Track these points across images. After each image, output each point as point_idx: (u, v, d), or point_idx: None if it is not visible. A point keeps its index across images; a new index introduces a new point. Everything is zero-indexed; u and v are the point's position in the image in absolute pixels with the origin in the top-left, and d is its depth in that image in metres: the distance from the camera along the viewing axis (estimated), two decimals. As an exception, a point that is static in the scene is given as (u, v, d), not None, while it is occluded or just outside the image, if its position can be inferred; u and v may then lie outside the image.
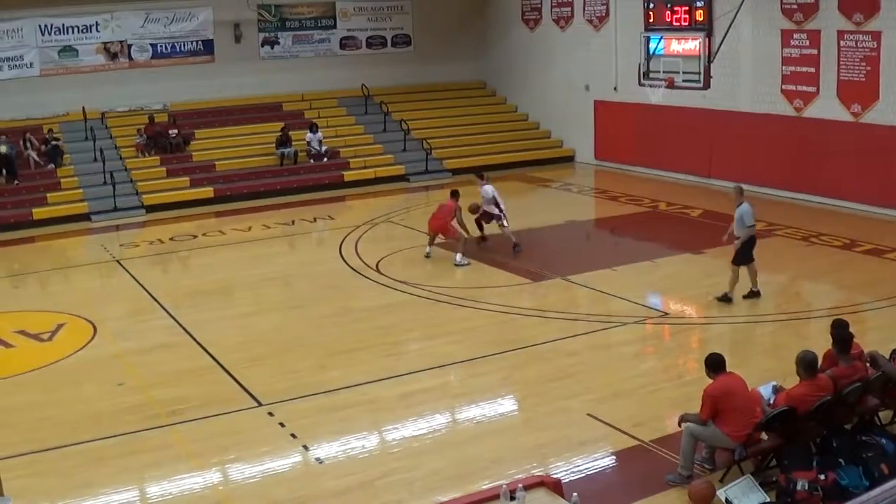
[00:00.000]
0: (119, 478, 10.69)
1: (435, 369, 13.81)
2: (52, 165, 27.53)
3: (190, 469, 10.88)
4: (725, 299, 16.09)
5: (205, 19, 31.54)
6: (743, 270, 16.10)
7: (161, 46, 31.10)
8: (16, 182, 26.78)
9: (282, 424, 11.97)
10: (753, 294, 16.29)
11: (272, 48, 32.90)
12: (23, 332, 16.26)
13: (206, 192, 27.89)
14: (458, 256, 19.60)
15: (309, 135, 30.14)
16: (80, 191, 26.99)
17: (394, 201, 27.70)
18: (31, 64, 29.41)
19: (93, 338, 15.86)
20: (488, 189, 20.71)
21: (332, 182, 29.22)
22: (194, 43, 31.61)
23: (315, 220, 25.47)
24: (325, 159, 30.21)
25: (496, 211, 20.60)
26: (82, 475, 10.80)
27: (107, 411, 12.61)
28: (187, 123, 30.53)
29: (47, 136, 28.03)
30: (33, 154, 27.50)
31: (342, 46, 34.06)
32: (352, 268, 19.85)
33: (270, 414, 12.32)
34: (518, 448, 11.10)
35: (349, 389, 13.11)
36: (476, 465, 10.63)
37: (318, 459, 11.10)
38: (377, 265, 19.78)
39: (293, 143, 29.99)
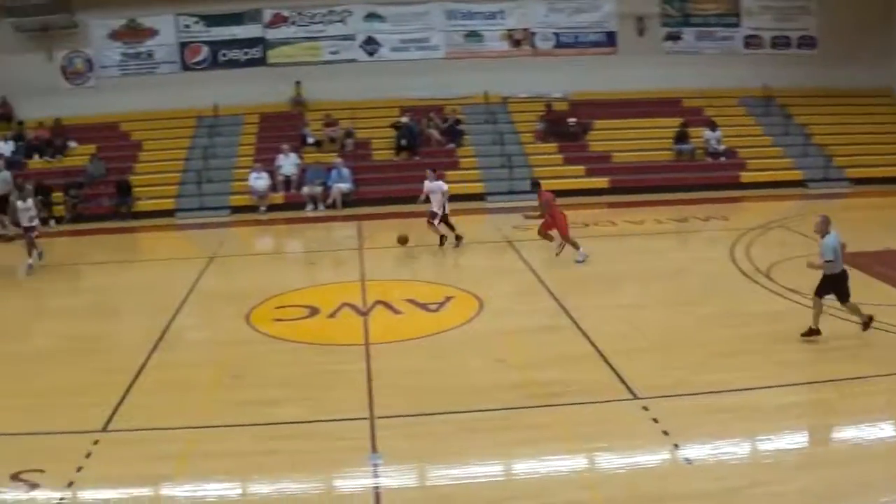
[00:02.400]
0: (489, 450, 10.78)
1: (815, 384, 12.95)
2: (452, 144, 28.64)
3: (558, 451, 10.78)
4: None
5: (608, 11, 31.71)
6: None
7: (564, 36, 31.51)
8: (416, 158, 28.08)
9: (655, 420, 11.59)
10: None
11: (675, 43, 32.49)
12: (412, 301, 17.00)
13: (601, 182, 27.98)
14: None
15: (708, 133, 29.51)
16: (478, 171, 27.91)
17: (790, 207, 26.44)
18: (437, 46, 30.76)
19: (478, 313, 16.24)
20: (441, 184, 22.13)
21: (728, 182, 28.31)
22: (597, 34, 31.78)
23: (708, 219, 24.82)
24: (723, 158, 29.39)
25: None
26: (453, 443, 11.01)
27: (484, 385, 12.81)
28: (586, 113, 30.76)
29: (448, 116, 29.20)
30: (434, 132, 28.74)
31: (746, 45, 32.96)
32: (741, 271, 19.10)
33: (645, 408, 11.97)
34: (893, 476, 10.01)
35: (727, 393, 12.48)
36: (844, 489, 9.71)
37: (686, 459, 10.62)
38: (768, 271, 18.84)
39: (691, 139, 29.40)
